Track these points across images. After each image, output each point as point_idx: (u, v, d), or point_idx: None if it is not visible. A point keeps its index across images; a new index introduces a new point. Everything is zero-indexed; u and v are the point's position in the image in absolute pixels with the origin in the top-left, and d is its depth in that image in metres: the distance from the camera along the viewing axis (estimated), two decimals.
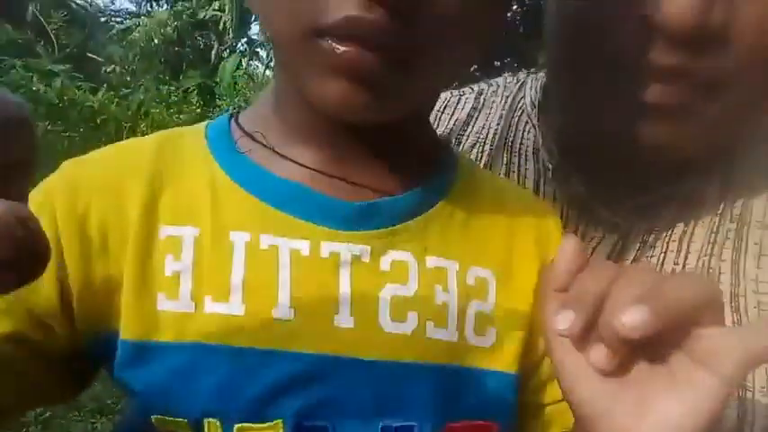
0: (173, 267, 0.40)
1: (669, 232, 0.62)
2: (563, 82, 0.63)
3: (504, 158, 0.70)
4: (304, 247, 0.40)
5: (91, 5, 13.12)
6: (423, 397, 0.41)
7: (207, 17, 12.03)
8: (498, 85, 0.79)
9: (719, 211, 0.62)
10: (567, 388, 0.39)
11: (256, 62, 13.22)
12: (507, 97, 0.76)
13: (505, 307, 0.45)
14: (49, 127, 6.28)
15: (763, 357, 0.33)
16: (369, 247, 0.42)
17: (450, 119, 0.75)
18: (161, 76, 10.38)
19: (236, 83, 10.53)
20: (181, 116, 8.00)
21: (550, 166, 0.66)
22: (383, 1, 0.33)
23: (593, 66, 0.54)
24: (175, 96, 9.31)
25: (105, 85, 8.50)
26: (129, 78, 10.49)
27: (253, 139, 0.44)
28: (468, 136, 0.73)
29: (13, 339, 0.39)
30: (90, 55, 11.30)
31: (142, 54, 11.28)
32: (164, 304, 0.40)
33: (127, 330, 0.40)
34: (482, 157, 0.71)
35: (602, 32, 0.52)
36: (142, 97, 8.10)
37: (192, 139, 0.46)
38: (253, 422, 0.39)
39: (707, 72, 0.51)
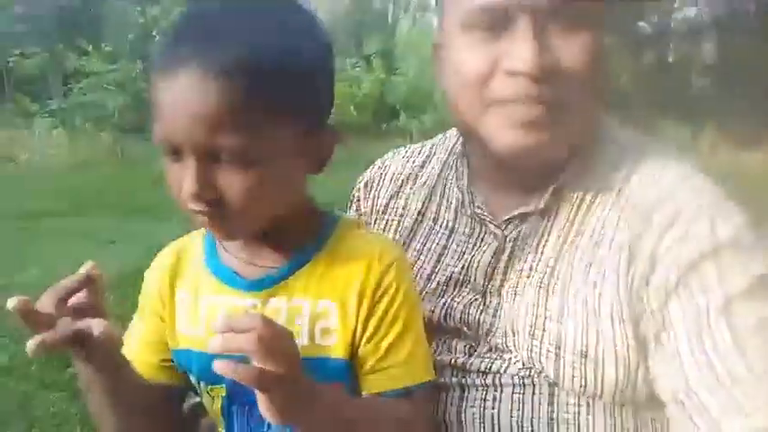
0: (180, 313, 0.82)
1: (531, 240, 0.89)
2: (459, 122, 0.91)
3: (439, 191, 1.02)
4: (230, 301, 0.78)
5: None
6: None
7: None
8: (447, 137, 1.09)
9: (565, 225, 0.87)
10: None
11: (430, 14, 13.39)
12: (449, 147, 1.06)
13: (342, 322, 0.77)
14: None
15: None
16: (259, 300, 0.77)
17: (412, 165, 1.08)
18: (343, 50, 11.18)
19: (413, 41, 10.90)
20: (362, 87, 8.74)
21: (460, 196, 0.96)
22: (200, 201, 0.69)
23: (475, 106, 0.84)
24: (358, 67, 10.06)
25: None
26: None
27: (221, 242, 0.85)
28: (422, 176, 1.06)
29: (159, 365, 0.84)
30: None
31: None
32: (180, 330, 0.82)
33: (171, 343, 0.83)
34: (428, 190, 1.03)
35: (483, 80, 0.83)
36: None
37: (198, 240, 0.86)
38: (213, 385, 0.79)
39: (550, 94, 0.80)
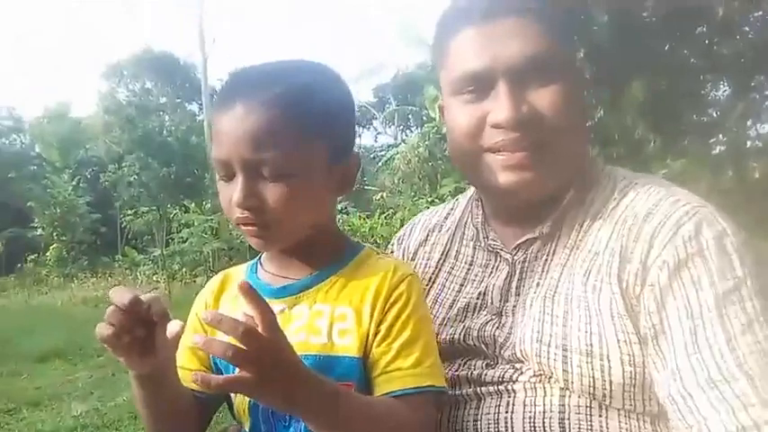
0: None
1: (536, 261, 0.96)
2: (461, 169, 1.04)
3: (460, 232, 1.13)
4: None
5: (360, 147, 15.70)
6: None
7: None
8: (469, 191, 1.19)
9: (567, 245, 0.94)
10: None
11: None
12: (468, 196, 1.17)
13: (357, 324, 0.87)
14: None
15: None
16: (285, 305, 0.89)
17: (438, 217, 1.20)
18: (420, 191, 11.76)
19: None
20: None
21: (476, 232, 1.07)
22: (245, 209, 0.85)
23: (471, 154, 0.97)
24: (432, 205, 10.50)
25: (378, 210, 10.12)
26: (397, 199, 12.15)
27: (261, 264, 0.98)
28: (446, 224, 1.17)
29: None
30: (366, 187, 13.55)
31: (404, 176, 12.95)
32: (219, 336, 0.82)
33: None
34: (451, 233, 1.13)
35: (474, 133, 0.95)
36: (404, 213, 9.40)
37: (243, 267, 1.01)
38: None
39: (531, 139, 0.91)
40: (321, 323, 0.87)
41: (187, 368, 0.91)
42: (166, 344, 0.78)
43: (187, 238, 11.44)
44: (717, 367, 0.75)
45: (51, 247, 16.42)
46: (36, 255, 16.53)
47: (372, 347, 0.85)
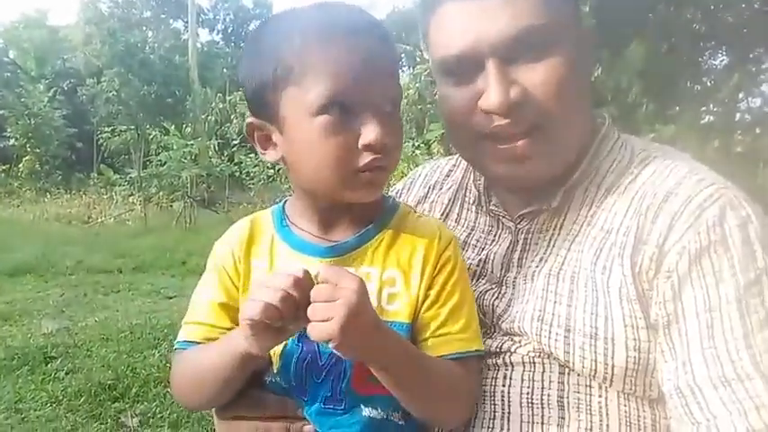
0: (256, 278, 0.86)
1: (542, 233, 0.92)
2: (459, 151, 0.99)
3: (461, 195, 1.08)
4: (304, 266, 0.76)
5: None
6: None
7: None
8: None
9: (577, 220, 0.90)
10: None
11: None
12: None
13: (406, 289, 0.84)
14: None
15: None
16: None
17: (440, 173, 1.15)
18: (407, 134, 11.63)
19: None
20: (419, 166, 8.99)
21: (477, 195, 1.03)
22: (377, 151, 0.77)
23: (465, 137, 0.91)
24: (418, 150, 10.43)
25: None
26: None
27: (288, 217, 0.91)
28: (447, 183, 1.12)
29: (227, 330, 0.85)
30: None
31: None
32: None
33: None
34: (452, 194, 1.08)
35: (467, 117, 0.88)
36: None
37: (267, 217, 0.93)
38: None
39: (527, 124, 0.85)
40: (370, 287, 0.81)
41: (219, 326, 0.87)
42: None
43: (165, 162, 11.16)
44: (731, 364, 0.73)
45: (24, 159, 16.03)
46: (8, 166, 16.15)
47: (421, 312, 0.84)
